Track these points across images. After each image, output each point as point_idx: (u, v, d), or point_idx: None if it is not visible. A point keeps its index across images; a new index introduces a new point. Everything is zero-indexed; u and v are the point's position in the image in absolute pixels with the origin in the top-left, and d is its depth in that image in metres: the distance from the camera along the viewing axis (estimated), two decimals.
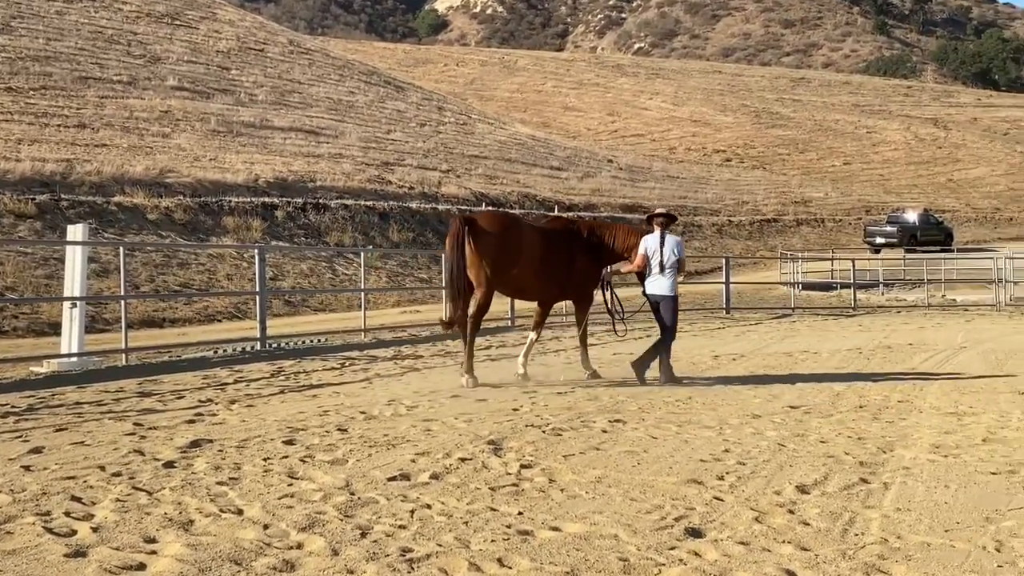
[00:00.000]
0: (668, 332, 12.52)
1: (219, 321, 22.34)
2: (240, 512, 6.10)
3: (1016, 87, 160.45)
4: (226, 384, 12.05)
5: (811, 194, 73.74)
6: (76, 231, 14.85)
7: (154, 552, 5.33)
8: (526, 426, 9.07)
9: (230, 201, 31.75)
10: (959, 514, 6.21)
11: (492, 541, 5.58)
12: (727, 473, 7.25)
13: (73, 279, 14.23)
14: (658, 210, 13.07)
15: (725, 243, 53.82)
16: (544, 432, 8.77)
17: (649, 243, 12.55)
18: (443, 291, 12.78)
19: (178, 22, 58.16)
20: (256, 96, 51.40)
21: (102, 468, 7.20)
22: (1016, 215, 78.10)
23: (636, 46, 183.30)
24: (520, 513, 6.16)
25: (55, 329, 17.40)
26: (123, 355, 14.40)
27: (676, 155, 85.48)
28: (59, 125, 36.56)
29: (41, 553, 5.26)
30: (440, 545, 5.50)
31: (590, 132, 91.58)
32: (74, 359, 13.61)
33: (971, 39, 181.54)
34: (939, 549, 5.53)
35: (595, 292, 13.35)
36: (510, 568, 5.18)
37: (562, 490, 6.73)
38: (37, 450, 7.86)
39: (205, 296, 23.34)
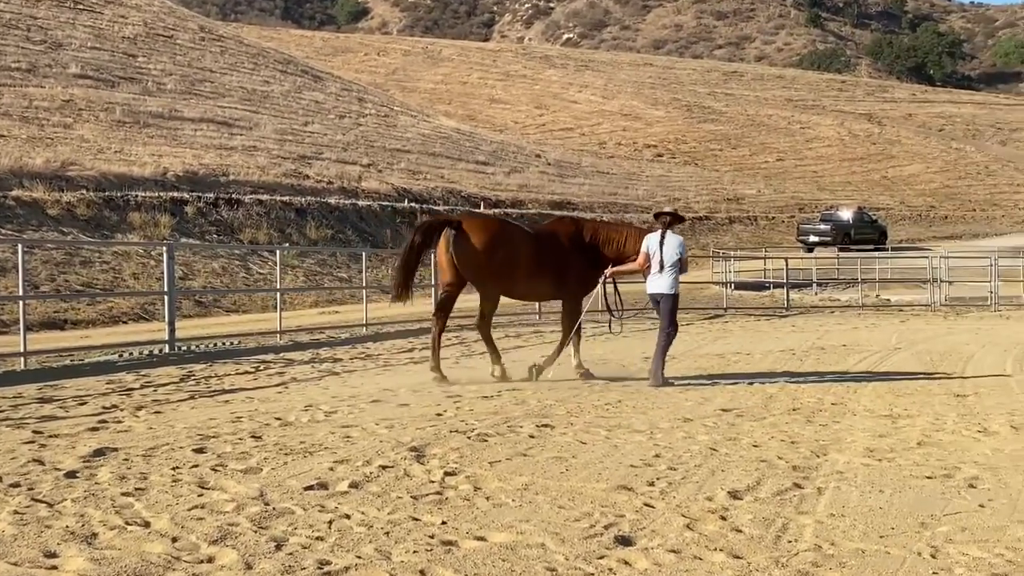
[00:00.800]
0: (666, 331, 12.70)
1: (125, 323, 21.98)
2: (147, 524, 6.00)
3: (951, 82, 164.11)
4: (132, 389, 11.86)
5: (744, 191, 74.68)
6: None
7: (55, 567, 5.22)
8: (450, 432, 9.05)
9: (136, 196, 31.25)
10: (894, 519, 6.32)
11: (414, 552, 5.56)
12: (658, 479, 7.31)
13: None
14: (665, 208, 13.31)
15: None
16: (469, 438, 8.77)
17: (651, 242, 12.83)
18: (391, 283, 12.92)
19: (81, 6, 57.09)
20: (164, 85, 50.66)
21: None
22: (951, 213, 79.87)
23: (565, 37, 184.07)
24: (444, 523, 6.15)
25: None
26: (21, 359, 14.10)
27: (606, 150, 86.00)
28: None
29: None
30: (359, 557, 5.47)
31: (517, 125, 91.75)
32: None
33: (906, 33, 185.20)
34: (874, 556, 5.62)
35: (592, 291, 13.66)
36: None
37: (488, 498, 6.73)
38: None
39: (110, 296, 22.95)
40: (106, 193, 30.70)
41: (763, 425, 9.61)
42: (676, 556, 5.57)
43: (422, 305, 26.33)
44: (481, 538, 5.85)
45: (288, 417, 9.81)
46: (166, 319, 16.46)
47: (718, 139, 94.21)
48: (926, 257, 36.03)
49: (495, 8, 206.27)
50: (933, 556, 5.61)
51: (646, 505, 6.59)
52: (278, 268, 20.88)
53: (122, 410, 10.21)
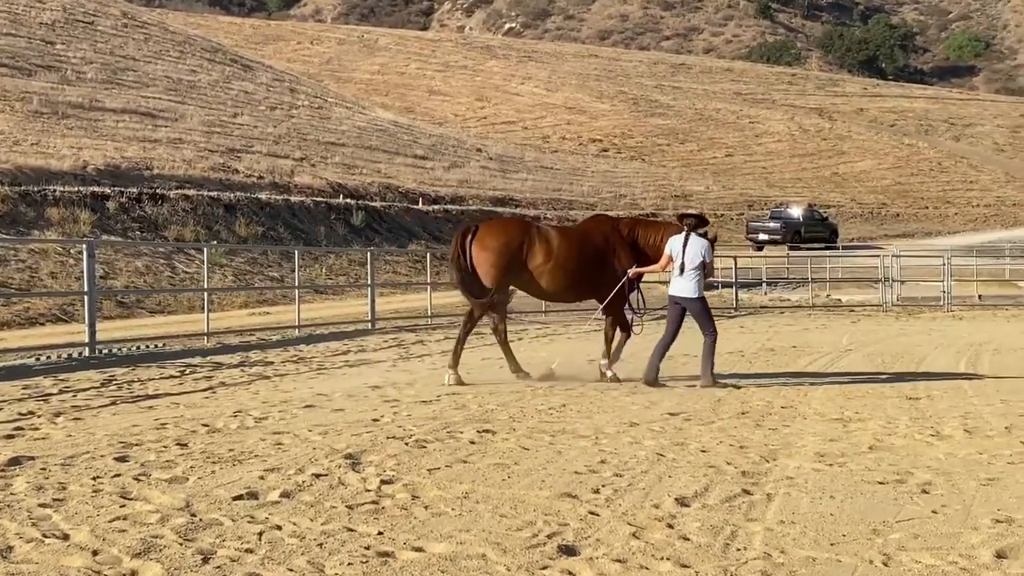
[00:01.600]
0: (708, 334, 12.86)
1: (42, 324, 21.65)
2: (66, 537, 5.92)
3: (904, 76, 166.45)
4: (50, 395, 11.69)
5: (692, 187, 75.21)
6: None
7: None
8: (387, 438, 9.02)
9: (55, 190, 30.78)
10: (845, 526, 6.39)
11: (349, 564, 5.54)
12: (603, 486, 7.33)
13: None
14: (689, 211, 13.42)
15: None
16: (407, 444, 8.74)
17: (674, 244, 12.99)
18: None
19: None
20: (84, 74, 49.97)
21: None
22: (903, 211, 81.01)
23: (507, 26, 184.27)
24: (380, 533, 6.12)
25: None
26: None
27: (550, 144, 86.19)
28: None
29: None
30: (291, 570, 5.43)
31: (458, 118, 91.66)
32: None
33: (857, 25, 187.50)
34: (824, 564, 5.68)
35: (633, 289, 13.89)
36: None
37: (426, 507, 6.72)
38: None
39: (26, 297, 22.60)
40: (22, 187, 30.21)
41: (711, 429, 9.68)
42: (622, 566, 5.59)
43: (357, 306, 26.23)
44: (419, 549, 5.83)
45: (216, 423, 9.72)
46: (86, 321, 16.24)
47: (665, 134, 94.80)
48: (878, 256, 36.52)
49: None
50: (885, 564, 5.68)
51: (591, 513, 6.60)
52: (205, 267, 20.68)
53: (39, 417, 10.06)
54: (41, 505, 6.59)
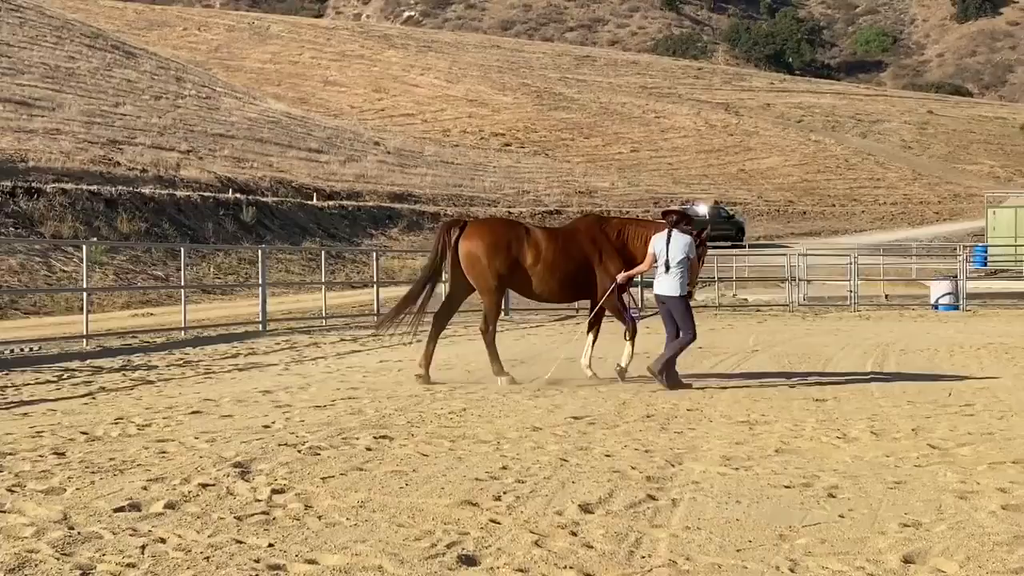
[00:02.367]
0: (686, 334, 13.00)
1: None
2: None
3: (811, 71, 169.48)
4: None
5: (597, 184, 75.75)
6: None
7: None
8: (279, 445, 8.95)
9: None
10: (751, 532, 6.49)
11: None
12: (505, 492, 7.34)
13: None
14: (672, 207, 13.41)
15: None
16: (299, 451, 8.68)
17: (657, 242, 13.12)
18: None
19: None
20: None
21: None
22: (810, 208, 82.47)
23: (405, 15, 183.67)
24: (271, 545, 6.06)
25: None
26: None
27: (450, 138, 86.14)
28: None
29: None
30: None
31: (354, 110, 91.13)
32: None
33: (764, 18, 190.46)
34: (730, 570, 5.76)
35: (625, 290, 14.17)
36: None
37: (320, 517, 6.67)
38: None
39: None
40: None
41: (616, 433, 9.76)
42: (524, 575, 5.61)
43: (247, 307, 25.95)
44: (312, 561, 5.79)
45: (96, 431, 9.55)
46: None
47: (570, 128, 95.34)
48: (784, 255, 37.14)
49: None
50: (792, 570, 5.77)
51: (492, 521, 6.61)
52: (85, 265, 20.27)
53: None
54: None
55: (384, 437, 9.39)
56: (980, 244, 49.43)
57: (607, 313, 14.26)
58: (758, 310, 30.67)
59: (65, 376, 13.91)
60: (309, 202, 47.46)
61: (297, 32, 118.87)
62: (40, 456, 8.37)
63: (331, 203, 48.87)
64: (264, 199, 44.05)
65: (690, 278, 13.29)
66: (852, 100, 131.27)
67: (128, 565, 5.65)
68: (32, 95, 48.12)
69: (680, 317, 13.10)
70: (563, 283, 13.83)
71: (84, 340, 18.14)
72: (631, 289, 14.18)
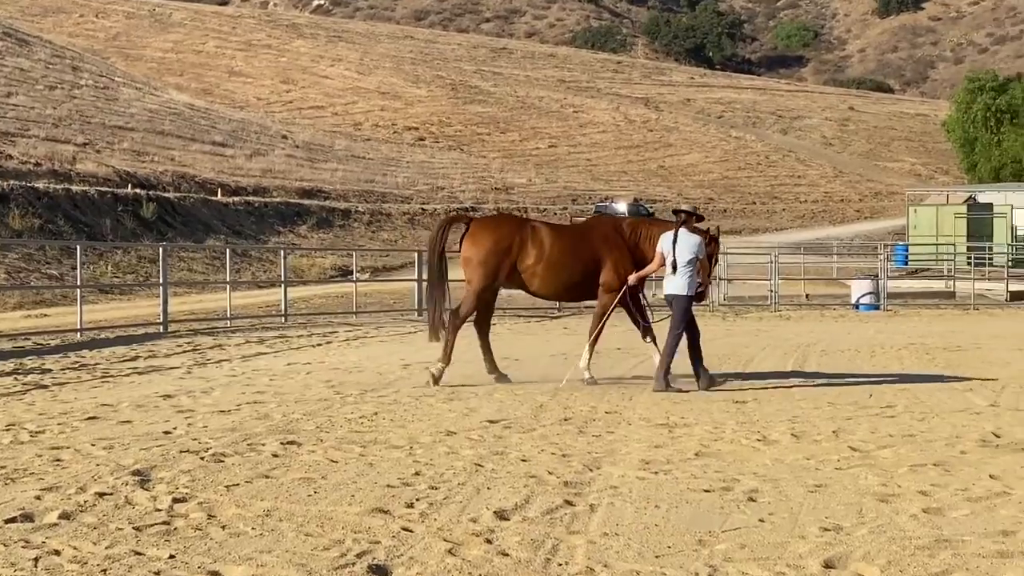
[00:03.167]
0: (674, 332, 13.17)
1: None
2: None
3: (731, 65, 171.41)
4: None
5: (513, 180, 75.90)
6: None
7: None
8: (180, 452, 8.85)
9: None
10: (670, 537, 6.54)
11: None
12: (417, 499, 7.33)
13: None
14: (683, 206, 13.73)
15: (418, 235, 54.46)
16: (202, 458, 8.59)
17: (664, 241, 13.28)
18: None
19: None
20: None
21: None
22: (730, 206, 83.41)
23: (315, 3, 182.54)
24: (172, 556, 6.00)
25: None
26: None
27: (362, 132, 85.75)
28: None
29: None
30: None
31: (261, 102, 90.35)
32: None
33: (684, 12, 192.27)
34: None
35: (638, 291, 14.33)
36: None
37: (223, 527, 6.61)
38: None
39: None
40: None
41: (532, 437, 9.78)
42: None
43: (147, 307, 25.60)
44: (215, 573, 5.75)
45: None
46: None
47: (486, 122, 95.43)
48: None
49: None
50: None
51: (404, 529, 6.60)
52: None
53: None
54: None
55: (292, 443, 9.32)
56: (901, 243, 50.37)
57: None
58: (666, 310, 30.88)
59: None
60: (213, 198, 46.95)
61: (201, 20, 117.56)
62: None
63: (236, 199, 48.40)
64: (166, 194, 43.49)
65: (702, 277, 13.46)
66: (773, 96, 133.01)
67: None
68: None
69: (677, 313, 13.27)
70: (569, 282, 14.04)
71: None
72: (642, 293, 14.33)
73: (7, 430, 9.83)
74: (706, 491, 7.71)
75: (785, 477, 8.20)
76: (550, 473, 8.20)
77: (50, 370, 15.02)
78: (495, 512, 7.00)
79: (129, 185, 42.99)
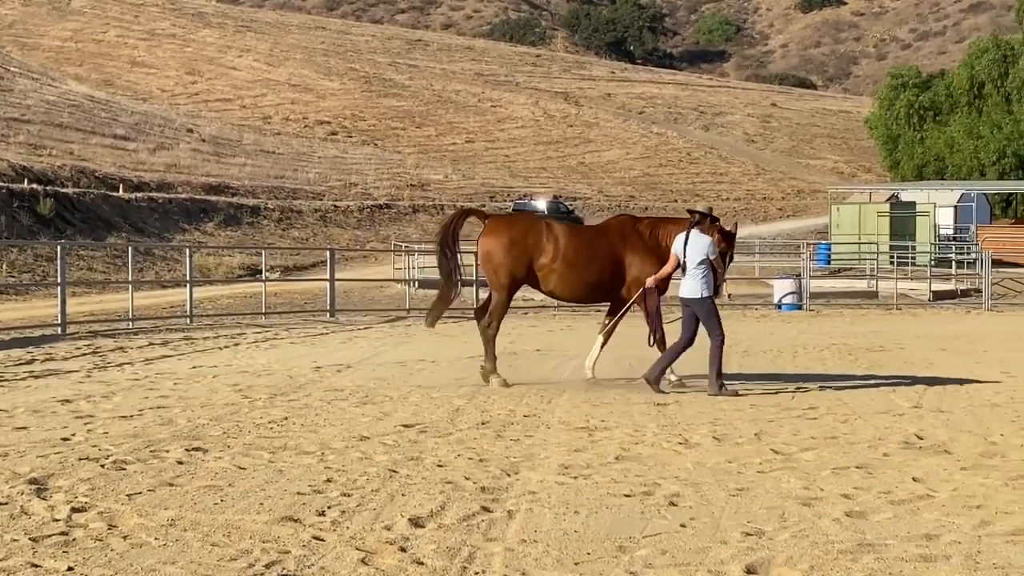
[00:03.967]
0: (713, 337, 13.28)
1: None
2: None
3: (652, 60, 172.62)
4: None
5: (429, 176, 75.77)
6: None
7: None
8: (80, 459, 8.74)
9: None
10: (590, 544, 6.57)
11: None
12: (329, 507, 7.31)
13: None
14: (697, 206, 13.86)
15: (330, 232, 54.19)
16: (103, 466, 8.49)
17: (677, 243, 13.45)
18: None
19: None
20: None
21: None
22: (651, 204, 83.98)
23: None
24: (70, 569, 5.93)
25: None
26: None
27: (272, 126, 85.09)
28: None
29: None
30: None
31: (165, 94, 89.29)
32: None
33: (605, 5, 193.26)
34: None
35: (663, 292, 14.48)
36: None
37: (125, 537, 6.54)
38: None
39: None
40: None
41: (449, 442, 9.78)
42: None
43: (44, 308, 25.18)
44: None
45: None
46: None
47: (400, 116, 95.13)
48: None
49: None
50: None
51: (315, 539, 6.57)
52: None
53: None
54: None
55: (197, 449, 9.25)
56: (824, 242, 51.01)
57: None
58: (598, 310, 31.03)
59: None
60: (115, 193, 46.28)
61: (101, 8, 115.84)
62: None
63: (139, 195, 47.76)
64: (64, 190, 42.79)
65: (715, 278, 13.57)
66: (695, 91, 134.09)
67: None
68: None
69: (704, 319, 13.40)
70: (585, 283, 14.24)
71: None
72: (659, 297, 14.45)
73: None
74: (627, 496, 7.76)
75: (707, 481, 8.28)
76: (467, 479, 8.21)
77: None
78: (410, 519, 7.00)
79: (25, 180, 42.22)
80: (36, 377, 14.65)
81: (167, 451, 9.15)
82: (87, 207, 42.48)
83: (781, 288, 32.73)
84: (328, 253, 29.50)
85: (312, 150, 76.60)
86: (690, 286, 13.44)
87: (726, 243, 14.19)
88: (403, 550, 6.35)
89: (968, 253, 46.58)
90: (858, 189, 67.05)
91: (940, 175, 64.34)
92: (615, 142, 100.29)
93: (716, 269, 13.59)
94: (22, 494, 7.52)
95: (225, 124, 78.87)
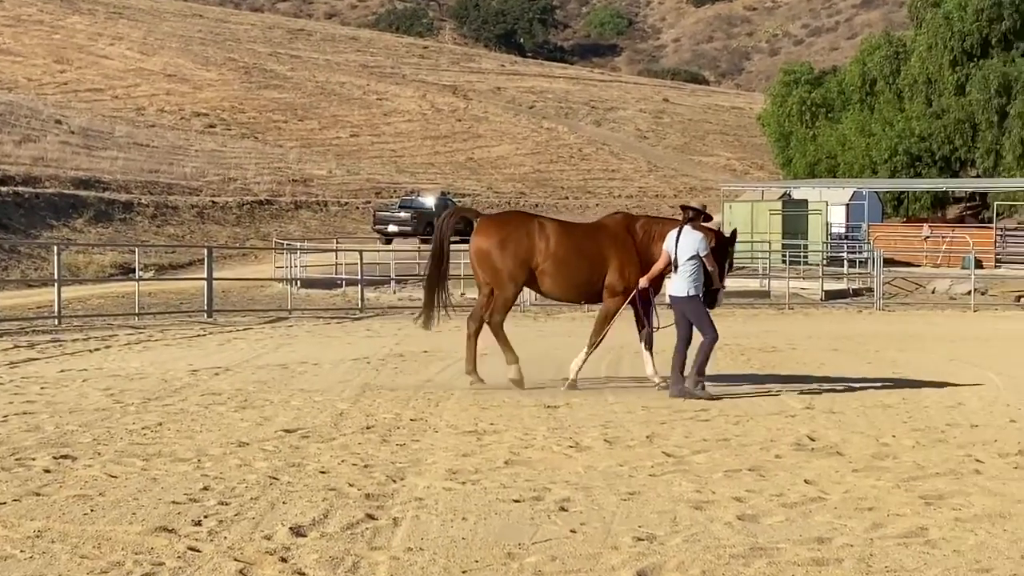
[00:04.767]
0: (705, 336, 13.33)
1: None
2: None
3: (543, 53, 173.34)
4: None
5: (312, 171, 75.25)
6: None
7: None
8: None
9: None
10: (478, 551, 6.58)
11: None
12: (206, 516, 7.23)
13: None
14: (692, 203, 13.89)
15: (208, 229, 53.56)
16: None
17: (668, 240, 13.49)
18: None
19: None
20: None
21: None
22: (542, 200, 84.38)
23: None
24: None
25: None
26: None
27: (146, 117, 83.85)
28: None
29: None
30: None
31: (31, 83, 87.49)
32: None
33: None
34: None
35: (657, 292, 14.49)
36: None
37: None
38: None
39: None
40: None
41: (332, 447, 9.73)
42: None
43: None
44: None
45: None
46: None
47: (282, 109, 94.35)
48: None
49: None
50: None
51: (191, 549, 6.50)
52: None
53: None
54: None
55: (66, 457, 9.09)
56: None
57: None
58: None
59: None
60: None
61: None
62: None
63: (3, 189, 46.74)
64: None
65: (710, 277, 13.66)
66: (586, 86, 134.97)
67: None
68: None
69: (695, 319, 13.48)
70: (575, 282, 14.34)
71: None
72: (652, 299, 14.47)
73: None
74: (516, 501, 7.79)
75: (598, 485, 8.34)
76: (351, 485, 8.18)
77: None
78: (291, 528, 6.95)
79: None
80: None
81: (33, 459, 8.99)
82: None
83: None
84: (205, 251, 29.14)
85: (189, 143, 75.63)
86: (677, 284, 13.60)
87: (727, 246, 14.35)
88: (284, 560, 6.31)
89: (860, 252, 47.50)
90: (750, 187, 67.95)
91: (832, 173, 65.48)
92: (505, 137, 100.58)
93: (709, 268, 13.68)
94: None
95: (96, 115, 77.55)
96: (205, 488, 8.04)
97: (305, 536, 6.82)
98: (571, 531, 7.03)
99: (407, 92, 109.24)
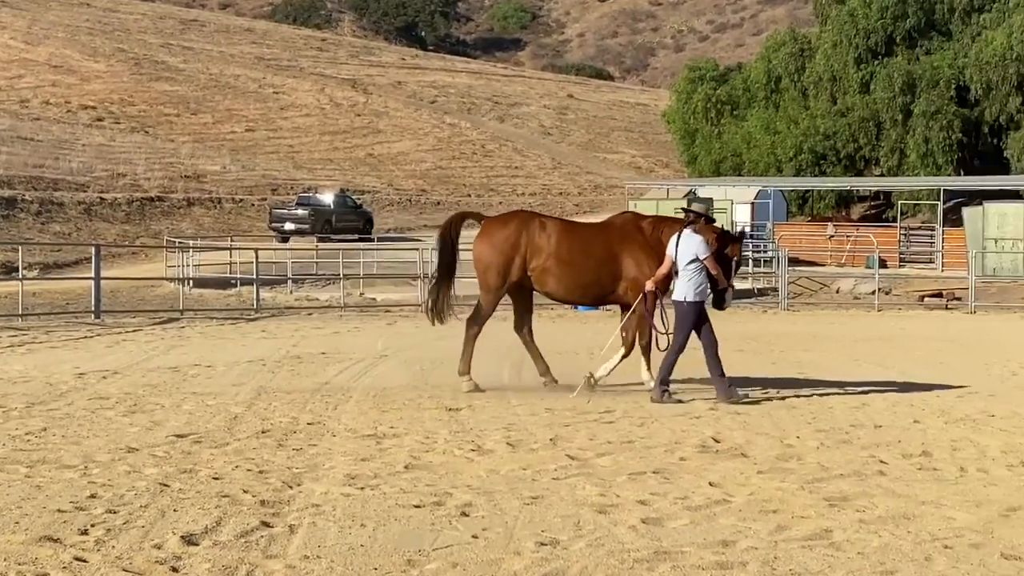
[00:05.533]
0: (674, 342, 13.47)
1: None
2: None
3: (445, 47, 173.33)
4: None
5: (206, 167, 74.50)
6: None
7: None
8: None
9: None
10: (377, 558, 6.57)
11: None
12: (93, 525, 7.15)
13: None
14: (693, 206, 13.84)
15: (95, 227, 52.80)
16: None
17: (670, 244, 13.49)
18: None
19: None
20: None
21: None
22: (444, 198, 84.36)
23: None
24: None
25: None
26: None
27: (30, 110, 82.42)
28: None
29: None
30: None
31: None
32: None
33: None
34: None
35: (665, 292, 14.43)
36: None
37: None
38: None
39: None
40: None
41: (226, 452, 9.65)
42: None
43: None
44: None
45: None
46: None
47: (174, 102, 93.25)
48: (416, 249, 37.79)
49: None
50: None
51: (77, 559, 6.42)
52: None
53: None
54: None
55: None
56: None
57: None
58: (388, 311, 31.03)
59: None
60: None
61: None
62: None
63: None
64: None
65: (715, 279, 13.68)
66: (489, 80, 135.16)
67: None
68: None
69: (678, 324, 13.58)
70: (581, 282, 14.33)
71: None
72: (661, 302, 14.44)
73: None
74: (416, 507, 7.78)
75: (500, 489, 8.36)
76: (245, 492, 8.12)
77: None
78: (182, 537, 6.89)
79: None
80: None
81: None
82: None
83: None
84: (93, 249, 28.72)
85: (75, 137, 74.49)
86: (678, 288, 13.71)
87: (734, 246, 14.37)
88: (175, 570, 6.25)
89: (765, 251, 48.07)
90: (656, 185, 68.48)
91: (737, 171, 66.13)
92: (406, 133, 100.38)
93: (712, 271, 13.71)
94: None
95: None
96: (92, 496, 7.94)
97: (197, 545, 6.76)
98: (473, 537, 7.04)
99: (305, 86, 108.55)
